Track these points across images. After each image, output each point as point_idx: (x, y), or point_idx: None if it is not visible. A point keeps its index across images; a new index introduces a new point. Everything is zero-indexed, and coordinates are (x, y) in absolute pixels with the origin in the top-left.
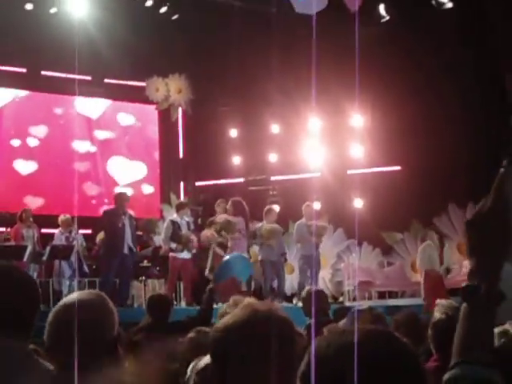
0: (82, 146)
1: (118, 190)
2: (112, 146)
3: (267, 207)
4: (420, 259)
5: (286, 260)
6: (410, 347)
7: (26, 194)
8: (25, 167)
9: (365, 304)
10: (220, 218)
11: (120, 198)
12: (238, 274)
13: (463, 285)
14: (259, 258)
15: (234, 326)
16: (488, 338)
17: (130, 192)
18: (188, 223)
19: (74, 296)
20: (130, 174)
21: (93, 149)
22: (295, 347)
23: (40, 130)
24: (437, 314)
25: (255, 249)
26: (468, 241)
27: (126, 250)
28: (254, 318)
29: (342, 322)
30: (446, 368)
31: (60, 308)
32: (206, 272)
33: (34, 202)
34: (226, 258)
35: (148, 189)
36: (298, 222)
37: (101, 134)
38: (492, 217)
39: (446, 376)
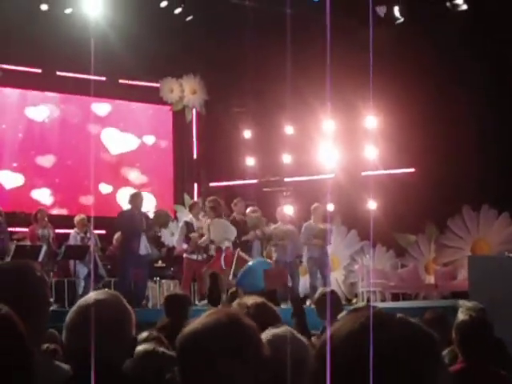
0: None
1: (132, 191)
2: (126, 157)
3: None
4: None
5: (301, 262)
6: (425, 329)
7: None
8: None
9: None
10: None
11: (135, 199)
12: (260, 279)
13: None
14: (273, 258)
15: (198, 334)
16: None
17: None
18: None
19: (91, 296)
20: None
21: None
22: (260, 354)
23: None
24: (460, 316)
25: (271, 250)
26: None
27: (142, 251)
28: (217, 325)
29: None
30: (472, 370)
31: (77, 309)
32: (230, 276)
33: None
34: (250, 263)
35: (160, 190)
36: (305, 224)
37: (116, 136)
38: None
39: None
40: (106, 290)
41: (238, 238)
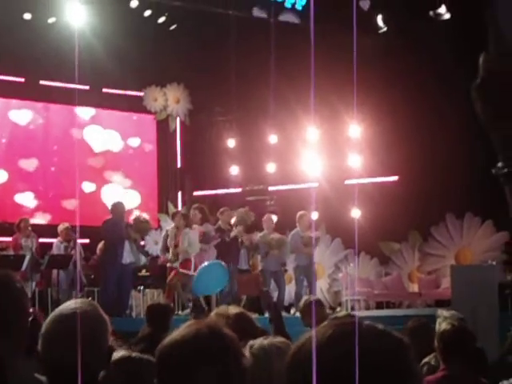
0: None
1: (115, 188)
2: (110, 159)
3: (266, 215)
4: None
5: (286, 270)
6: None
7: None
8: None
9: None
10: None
11: (118, 208)
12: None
13: None
14: (259, 268)
15: (177, 345)
16: None
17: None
18: None
19: (67, 306)
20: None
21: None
22: (240, 365)
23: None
24: (442, 325)
25: (257, 258)
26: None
27: (125, 260)
28: (197, 336)
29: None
30: (454, 378)
31: (53, 318)
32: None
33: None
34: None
35: (144, 198)
36: (292, 232)
37: (100, 145)
38: None
39: None
40: (82, 299)
41: (224, 248)
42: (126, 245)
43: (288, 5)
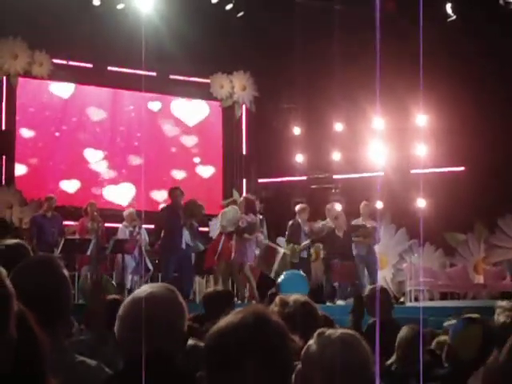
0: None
1: (172, 187)
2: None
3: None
4: None
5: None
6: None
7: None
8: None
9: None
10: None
11: (175, 194)
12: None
13: None
14: (321, 255)
15: (226, 331)
16: None
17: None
18: None
19: (146, 289)
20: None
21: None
22: (287, 352)
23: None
24: (501, 317)
25: (319, 246)
26: None
27: (183, 246)
28: (242, 324)
29: None
30: None
31: (131, 300)
32: (273, 274)
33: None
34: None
35: (211, 184)
36: (353, 222)
37: (168, 130)
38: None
39: None
40: (160, 283)
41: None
42: (184, 230)
43: None
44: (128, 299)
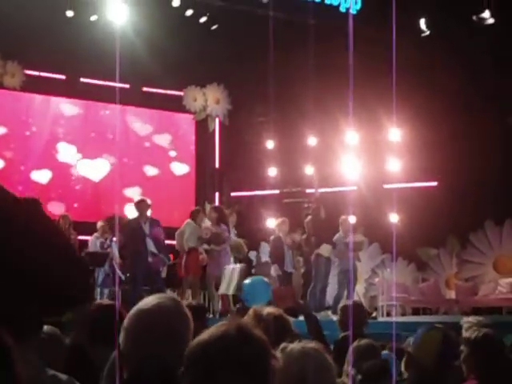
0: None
1: (137, 198)
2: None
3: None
4: None
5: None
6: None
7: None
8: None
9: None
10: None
11: (140, 206)
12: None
13: None
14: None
15: (209, 343)
16: None
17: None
18: None
19: (151, 301)
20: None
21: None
22: (268, 368)
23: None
24: (469, 332)
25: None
26: None
27: (149, 258)
28: (224, 336)
29: None
30: None
31: (136, 312)
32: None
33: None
34: (248, 281)
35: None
36: (335, 237)
37: (138, 143)
38: None
39: None
40: (165, 294)
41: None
42: (149, 242)
43: (343, 9)
44: (133, 311)
